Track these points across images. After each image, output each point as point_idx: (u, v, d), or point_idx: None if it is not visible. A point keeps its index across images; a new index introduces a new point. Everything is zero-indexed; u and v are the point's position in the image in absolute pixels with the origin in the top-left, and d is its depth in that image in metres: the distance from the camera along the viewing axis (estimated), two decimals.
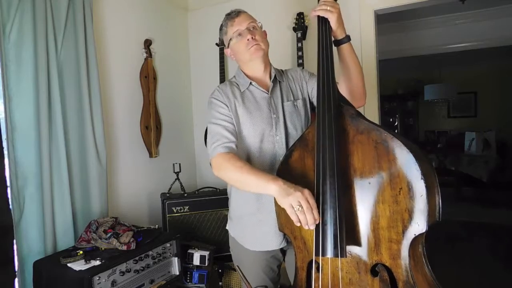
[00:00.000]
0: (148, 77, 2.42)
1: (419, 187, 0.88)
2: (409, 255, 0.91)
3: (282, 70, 1.43)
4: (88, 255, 1.55)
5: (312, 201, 0.96)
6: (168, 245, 1.80)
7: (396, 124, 6.87)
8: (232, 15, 1.31)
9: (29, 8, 1.63)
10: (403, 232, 0.91)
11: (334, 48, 1.17)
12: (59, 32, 1.78)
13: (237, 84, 1.34)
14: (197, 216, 2.24)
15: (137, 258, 1.62)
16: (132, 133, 2.33)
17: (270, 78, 1.34)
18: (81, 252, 1.56)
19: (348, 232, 0.95)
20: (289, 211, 0.97)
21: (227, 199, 1.43)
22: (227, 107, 1.27)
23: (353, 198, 0.98)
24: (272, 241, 1.29)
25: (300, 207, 0.95)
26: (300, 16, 2.33)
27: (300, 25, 2.32)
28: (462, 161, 5.35)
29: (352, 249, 0.98)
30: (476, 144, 5.51)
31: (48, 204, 1.68)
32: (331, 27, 1.14)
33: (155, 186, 2.44)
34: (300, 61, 2.28)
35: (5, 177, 1.60)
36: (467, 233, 3.87)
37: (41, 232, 1.66)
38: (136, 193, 2.34)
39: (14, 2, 1.60)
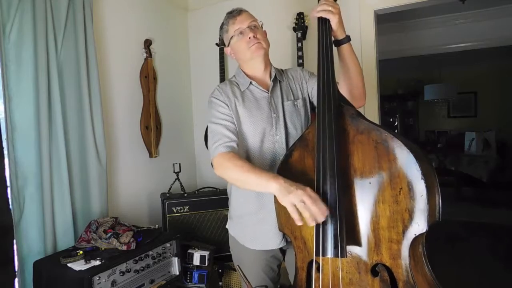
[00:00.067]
0: (148, 77, 2.42)
1: (420, 187, 0.88)
2: (409, 255, 0.91)
3: (282, 69, 1.42)
4: (88, 255, 1.55)
5: (315, 196, 0.95)
6: (168, 245, 1.80)
7: (396, 124, 6.86)
8: (234, 14, 1.31)
9: (29, 8, 1.63)
10: (403, 232, 0.91)
11: (334, 48, 1.17)
12: (59, 32, 1.78)
13: (237, 84, 1.34)
14: (197, 216, 2.24)
15: (137, 258, 1.62)
16: (132, 133, 2.33)
17: (270, 77, 1.34)
18: (81, 252, 1.56)
19: (348, 232, 0.95)
20: (290, 210, 0.97)
21: (227, 199, 1.43)
22: (228, 106, 1.27)
23: (353, 198, 0.98)
24: (273, 240, 1.29)
25: (303, 203, 0.93)
26: (300, 16, 2.33)
27: (300, 25, 2.32)
28: (462, 161, 5.35)
29: (352, 249, 0.98)
30: (476, 144, 5.51)
31: (48, 204, 1.68)
32: (331, 27, 1.13)
33: (155, 186, 2.44)
34: (300, 61, 2.28)
35: (5, 177, 1.60)
36: (467, 233, 3.87)
37: (41, 232, 1.66)
38: (136, 193, 2.34)
39: (14, 2, 1.60)
